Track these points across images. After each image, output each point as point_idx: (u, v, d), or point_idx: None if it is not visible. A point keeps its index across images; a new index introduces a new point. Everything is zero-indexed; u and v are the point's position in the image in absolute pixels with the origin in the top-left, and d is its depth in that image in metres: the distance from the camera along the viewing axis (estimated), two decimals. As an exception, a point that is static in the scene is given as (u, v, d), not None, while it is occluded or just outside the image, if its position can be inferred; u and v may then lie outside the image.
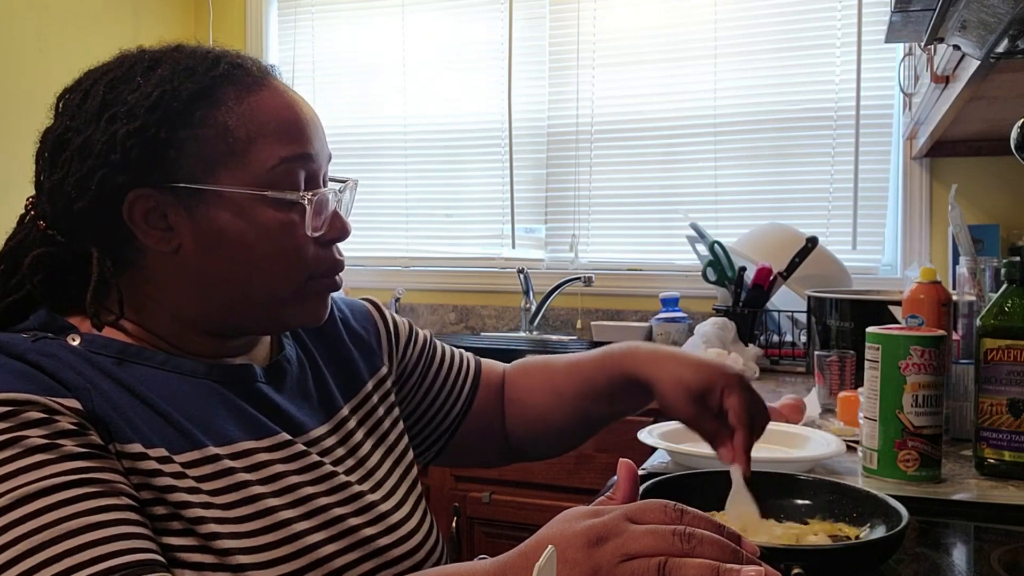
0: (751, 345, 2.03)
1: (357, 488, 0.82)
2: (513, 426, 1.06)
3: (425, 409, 1.02)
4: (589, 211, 2.70)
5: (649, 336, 2.39)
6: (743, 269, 2.15)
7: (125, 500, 0.65)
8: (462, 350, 1.08)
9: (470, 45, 2.81)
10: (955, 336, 1.37)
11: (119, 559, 0.61)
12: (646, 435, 1.20)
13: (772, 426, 1.25)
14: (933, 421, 1.04)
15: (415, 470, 0.93)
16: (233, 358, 0.82)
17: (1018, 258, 1.09)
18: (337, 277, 0.83)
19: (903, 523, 0.76)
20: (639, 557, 0.54)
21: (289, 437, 0.80)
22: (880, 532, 0.79)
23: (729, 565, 0.53)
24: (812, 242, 2.08)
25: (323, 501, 0.78)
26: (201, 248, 0.76)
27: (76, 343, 0.74)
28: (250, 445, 0.76)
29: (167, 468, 0.70)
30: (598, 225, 2.70)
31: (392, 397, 0.96)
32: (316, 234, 0.78)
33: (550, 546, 0.52)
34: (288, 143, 0.77)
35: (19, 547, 0.60)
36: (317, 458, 0.81)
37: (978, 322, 1.11)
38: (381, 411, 0.93)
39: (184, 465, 0.71)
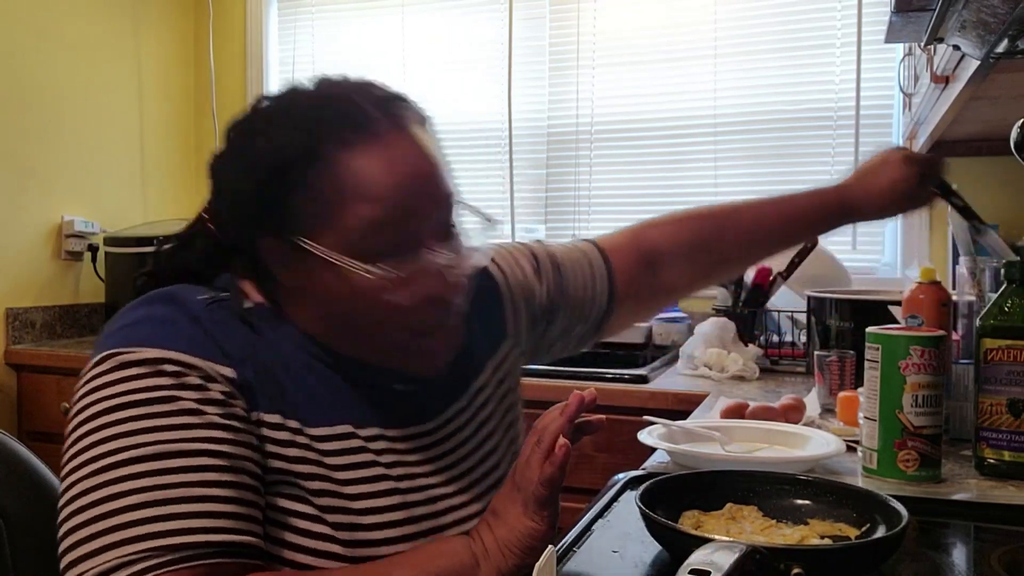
0: (751, 345, 2.03)
1: (480, 474, 0.89)
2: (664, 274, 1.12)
3: (577, 314, 1.07)
4: (589, 211, 2.70)
5: (649, 336, 2.39)
6: (743, 269, 2.15)
7: (244, 478, 0.73)
8: (578, 244, 1.11)
9: (470, 45, 2.81)
10: (955, 336, 1.37)
11: (214, 536, 0.69)
12: (646, 435, 1.20)
13: (772, 426, 1.26)
14: (933, 421, 1.04)
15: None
16: None
17: (1018, 258, 1.09)
18: (444, 338, 0.82)
19: (903, 523, 0.76)
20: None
21: (420, 430, 0.85)
22: (880, 532, 0.79)
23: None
24: (812, 242, 2.08)
25: (440, 491, 0.84)
26: (315, 294, 0.80)
27: (248, 306, 0.80)
28: (382, 432, 0.82)
29: (300, 439, 0.77)
30: (598, 225, 2.69)
31: (511, 372, 1.00)
32: (407, 302, 0.77)
33: (550, 547, 0.53)
34: (368, 205, 0.76)
35: (141, 496, 0.68)
36: (444, 449, 0.86)
37: (978, 322, 1.11)
38: (505, 383, 0.98)
39: (314, 438, 0.77)
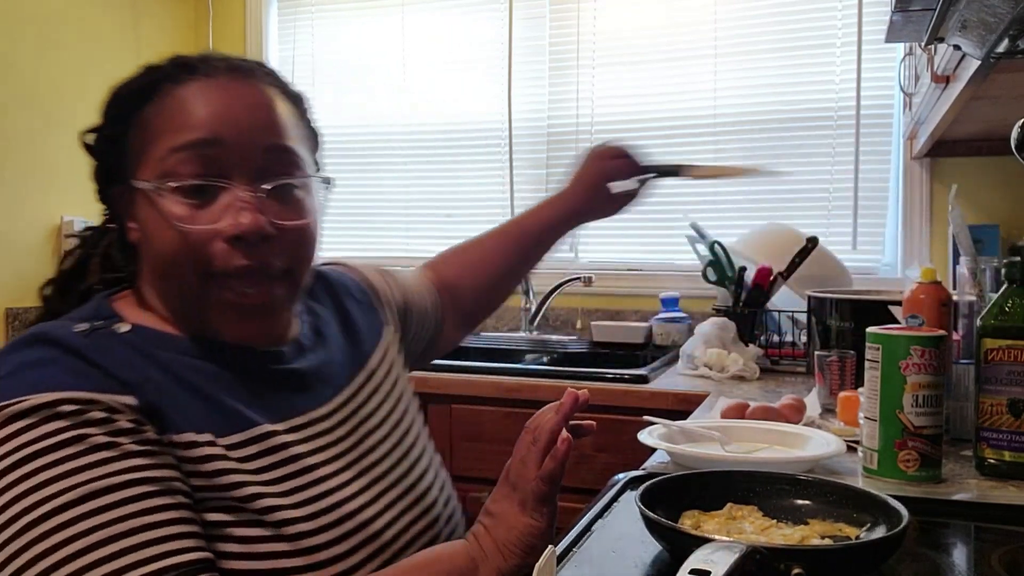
0: (751, 345, 2.03)
1: (388, 448, 0.90)
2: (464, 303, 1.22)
3: (421, 320, 1.13)
4: (589, 211, 2.69)
5: (649, 336, 2.39)
6: (743, 269, 2.15)
7: (179, 498, 0.70)
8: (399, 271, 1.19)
9: (470, 45, 2.81)
10: (955, 336, 1.37)
11: (172, 559, 0.66)
12: (646, 436, 1.20)
13: (772, 426, 1.26)
14: (933, 421, 1.04)
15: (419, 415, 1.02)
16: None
17: (1018, 258, 1.09)
18: (248, 290, 0.79)
19: (903, 523, 0.75)
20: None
21: (329, 408, 0.85)
22: (880, 532, 0.79)
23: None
24: (812, 242, 2.08)
25: (362, 465, 0.85)
26: (144, 241, 0.80)
27: (124, 331, 0.77)
28: (296, 420, 0.82)
29: (214, 451, 0.74)
30: (598, 225, 2.66)
31: (397, 359, 1.02)
32: (197, 231, 0.76)
33: (550, 547, 0.53)
34: (178, 132, 0.78)
35: (82, 542, 0.64)
36: (347, 429, 0.86)
37: (978, 322, 1.11)
38: (395, 370, 1.00)
39: (228, 447, 0.75)
